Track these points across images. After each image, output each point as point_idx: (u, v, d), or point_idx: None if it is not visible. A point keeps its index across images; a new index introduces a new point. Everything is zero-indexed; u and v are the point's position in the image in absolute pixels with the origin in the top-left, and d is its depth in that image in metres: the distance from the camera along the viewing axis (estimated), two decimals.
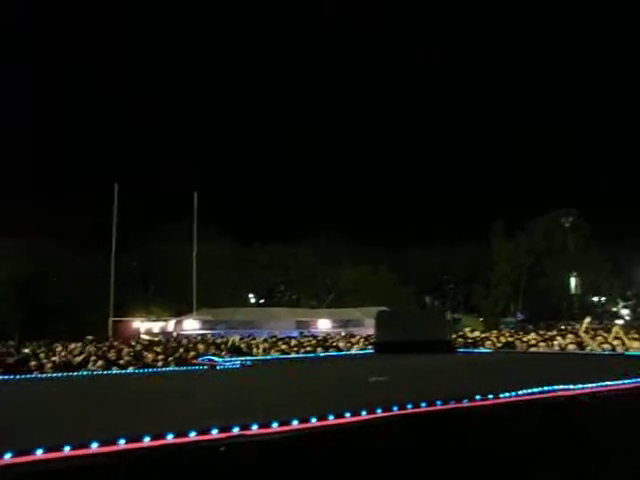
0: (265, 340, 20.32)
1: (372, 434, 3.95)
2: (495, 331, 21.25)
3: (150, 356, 14.40)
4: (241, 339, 19.52)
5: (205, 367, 9.26)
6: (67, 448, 3.30)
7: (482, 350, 11.98)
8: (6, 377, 11.32)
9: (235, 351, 15.04)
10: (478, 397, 4.10)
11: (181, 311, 39.43)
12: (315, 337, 23.13)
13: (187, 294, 37.31)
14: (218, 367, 8.70)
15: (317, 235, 52.16)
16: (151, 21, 77.28)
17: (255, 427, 3.67)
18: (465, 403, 4.03)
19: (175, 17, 78.54)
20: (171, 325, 36.68)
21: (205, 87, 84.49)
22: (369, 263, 51.00)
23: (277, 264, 50.04)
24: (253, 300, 51.47)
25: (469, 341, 17.00)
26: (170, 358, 14.40)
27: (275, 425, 3.64)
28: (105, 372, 10.97)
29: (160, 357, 14.68)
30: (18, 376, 11.29)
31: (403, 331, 10.04)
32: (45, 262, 41.42)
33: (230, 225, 50.43)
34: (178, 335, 31.14)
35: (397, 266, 53.48)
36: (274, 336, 23.51)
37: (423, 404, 3.91)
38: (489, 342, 16.80)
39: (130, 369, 11.33)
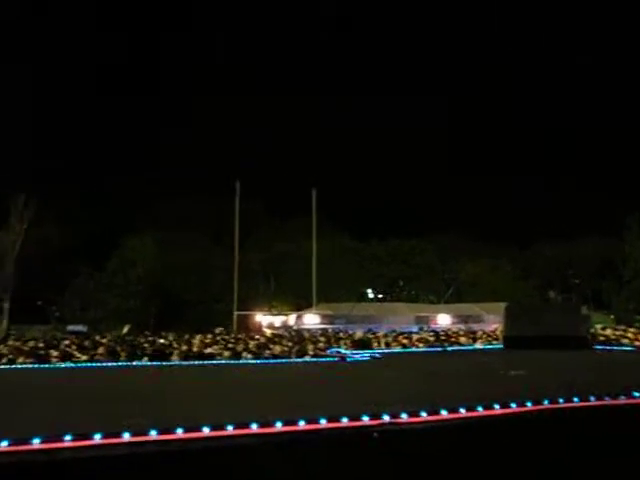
0: (386, 335, 20.37)
1: (521, 426, 3.87)
2: (632, 329, 19.99)
3: (277, 348, 14.94)
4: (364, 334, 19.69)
5: (336, 359, 9.46)
6: (230, 428, 3.55)
7: (624, 348, 11.26)
8: (148, 364, 12.23)
9: (359, 344, 15.21)
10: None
11: (301, 306, 40.36)
12: (436, 332, 22.89)
13: (307, 289, 38.12)
14: (348, 359, 8.84)
15: (436, 230, 51.58)
16: None
17: (404, 416, 3.72)
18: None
19: None
20: (292, 319, 37.65)
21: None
22: (488, 257, 49.66)
23: (395, 259, 49.90)
24: (371, 295, 51.64)
25: (601, 338, 16.08)
26: (295, 349, 14.88)
27: (424, 414, 3.68)
28: (234, 361, 11.51)
29: (286, 349, 15.20)
30: (156, 363, 12.14)
31: (535, 326, 9.66)
32: (175, 258, 44.06)
33: (348, 221, 50.90)
34: (299, 329, 31.88)
35: (517, 261, 51.56)
36: (394, 331, 23.50)
37: (575, 399, 3.79)
38: (626, 340, 15.82)
39: (253, 360, 11.84)
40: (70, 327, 39.26)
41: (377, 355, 8.65)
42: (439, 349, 12.29)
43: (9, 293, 46.26)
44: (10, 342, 17.88)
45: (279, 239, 46.35)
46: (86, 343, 16.79)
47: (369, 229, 51.32)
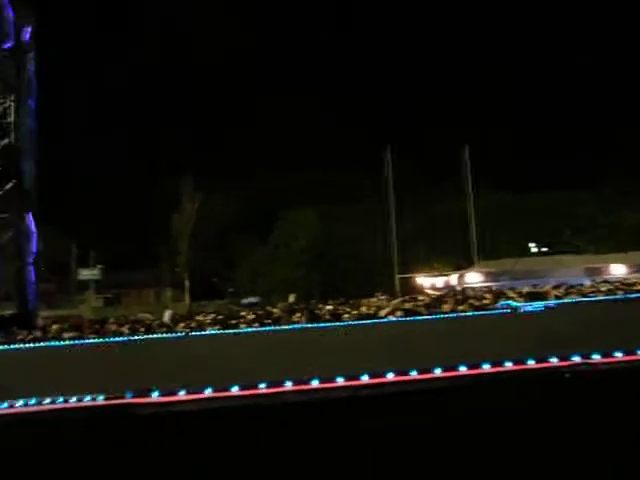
0: (555, 286, 19.67)
1: None
2: None
3: (446, 306, 15.12)
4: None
5: (508, 311, 9.48)
6: (414, 372, 3.88)
7: None
8: (319, 325, 13.02)
9: (530, 297, 14.91)
10: None
11: (462, 265, 39.91)
12: (611, 282, 21.66)
13: (467, 248, 37.59)
14: (521, 310, 8.85)
15: (598, 180, 48.33)
16: None
17: (597, 356, 3.79)
18: None
19: None
20: (454, 279, 37.39)
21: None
22: None
23: (558, 211, 47.44)
24: (534, 249, 49.62)
25: None
26: (462, 307, 14.96)
27: (619, 354, 3.72)
28: (406, 319, 11.90)
29: (454, 306, 15.34)
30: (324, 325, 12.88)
31: None
32: (335, 227, 45.51)
33: (504, 176, 49.15)
34: (462, 288, 31.63)
35: None
36: (563, 284, 22.56)
37: None
38: None
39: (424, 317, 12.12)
40: (244, 300, 42.25)
41: (552, 305, 8.51)
42: (618, 297, 11.70)
43: (187, 272, 50.66)
44: (197, 317, 19.69)
45: (434, 200, 46.02)
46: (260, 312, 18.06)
47: (527, 182, 49.24)
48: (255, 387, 3.84)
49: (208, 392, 4.20)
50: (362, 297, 22.35)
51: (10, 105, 27.14)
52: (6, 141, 26.91)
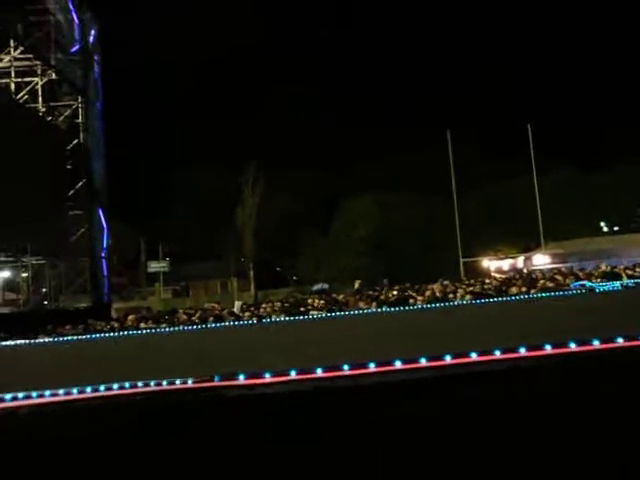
0: (632, 267, 18.99)
1: None
2: None
3: (514, 289, 14.85)
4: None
5: (582, 290, 9.27)
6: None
7: None
8: (389, 310, 13.03)
9: (606, 277, 14.46)
10: None
11: (529, 247, 39.01)
12: None
13: (533, 229, 36.64)
14: (597, 290, 8.64)
15: None
16: None
17: None
18: None
19: None
20: (520, 261, 36.61)
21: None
22: None
23: (630, 188, 45.17)
24: (605, 229, 47.81)
25: None
26: (532, 290, 14.66)
27: None
28: (476, 301, 11.79)
29: (522, 288, 15.05)
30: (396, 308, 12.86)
31: None
32: (395, 215, 45.28)
33: (569, 153, 47.59)
34: (529, 271, 30.91)
35: None
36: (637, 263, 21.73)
37: None
38: None
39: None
40: (315, 287, 42.78)
41: (631, 284, 8.22)
42: None
43: (252, 262, 51.61)
44: (263, 305, 20.05)
45: (498, 181, 45.06)
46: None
47: (596, 158, 47.43)
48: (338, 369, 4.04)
49: (293, 374, 4.39)
50: (426, 283, 22.18)
51: (78, 107, 28.29)
52: (76, 142, 28.09)
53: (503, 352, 3.59)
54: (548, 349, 3.53)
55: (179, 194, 53.02)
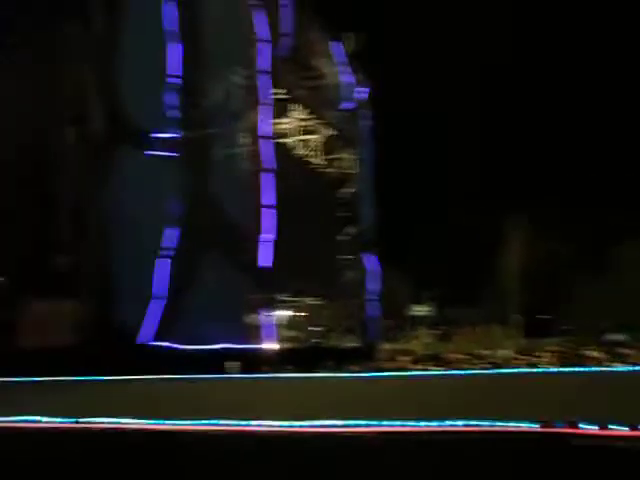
0: None
1: None
2: None
3: None
4: None
5: None
6: None
7: None
8: None
9: None
10: None
11: None
12: None
13: None
14: None
15: None
16: None
17: None
18: None
19: None
20: None
21: None
22: None
23: None
24: None
25: None
26: None
27: None
28: None
29: None
30: None
31: None
32: None
33: None
34: None
35: None
36: None
37: None
38: None
39: None
40: (609, 337, 39.10)
41: None
42: None
43: (517, 308, 49.36)
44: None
45: None
46: None
47: None
48: None
49: None
50: None
51: (352, 158, 30.51)
52: (352, 190, 30.25)
53: None
54: None
55: (442, 238, 53.21)
